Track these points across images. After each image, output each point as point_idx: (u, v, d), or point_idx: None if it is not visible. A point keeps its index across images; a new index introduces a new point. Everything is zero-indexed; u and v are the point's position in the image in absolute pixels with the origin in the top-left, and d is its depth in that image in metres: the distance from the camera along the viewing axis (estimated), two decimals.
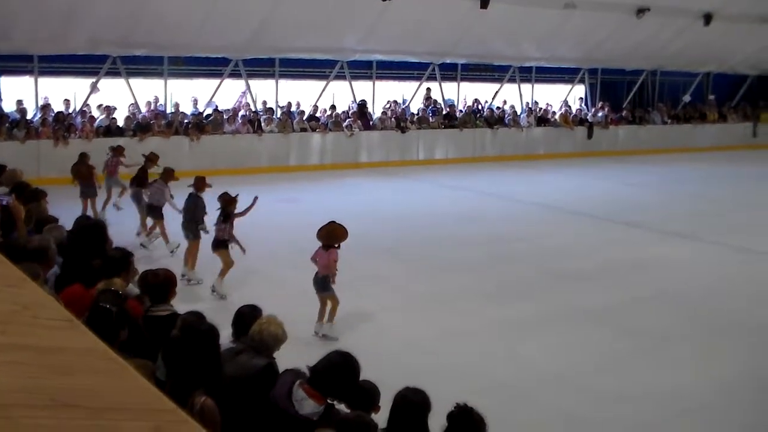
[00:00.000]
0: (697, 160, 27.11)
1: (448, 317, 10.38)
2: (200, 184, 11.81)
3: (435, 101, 26.31)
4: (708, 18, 26.29)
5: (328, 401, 4.64)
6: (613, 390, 8.15)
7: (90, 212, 14.41)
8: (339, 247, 9.26)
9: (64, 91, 21.14)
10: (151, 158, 14.48)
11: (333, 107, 24.08)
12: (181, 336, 4.96)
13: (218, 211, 10.91)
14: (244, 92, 23.22)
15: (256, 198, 11.20)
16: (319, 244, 9.30)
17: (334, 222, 9.39)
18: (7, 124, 19.11)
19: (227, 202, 10.91)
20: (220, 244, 10.84)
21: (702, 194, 20.99)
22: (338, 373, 4.68)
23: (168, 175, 13.07)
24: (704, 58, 29.81)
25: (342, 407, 4.75)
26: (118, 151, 15.58)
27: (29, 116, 19.92)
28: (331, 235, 9.24)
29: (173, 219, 12.47)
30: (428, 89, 26.30)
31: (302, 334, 8.90)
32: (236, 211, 10.97)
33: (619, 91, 31.32)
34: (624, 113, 29.82)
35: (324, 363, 4.74)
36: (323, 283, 9.25)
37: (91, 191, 14.79)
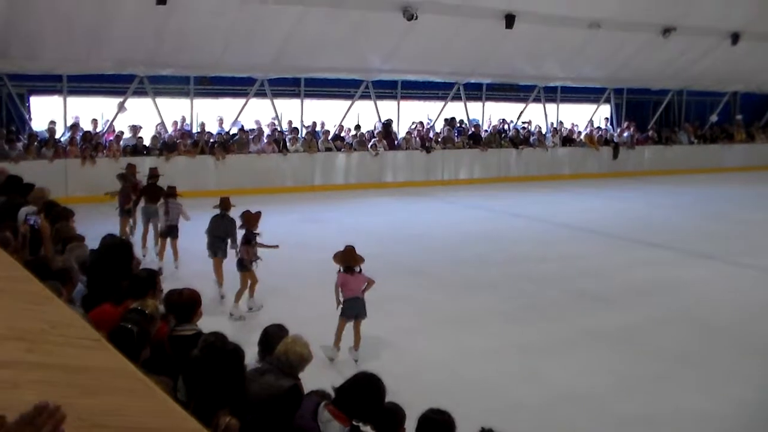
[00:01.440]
0: (724, 180, 26.83)
1: (471, 337, 10.31)
2: (227, 203, 11.91)
3: (461, 121, 26.27)
4: (735, 37, 26.11)
5: (354, 423, 4.61)
6: (633, 412, 8.09)
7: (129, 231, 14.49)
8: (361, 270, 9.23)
9: (92, 111, 21.34)
10: (155, 174, 14.43)
11: (358, 127, 24.13)
12: (201, 356, 4.91)
13: (241, 230, 11.04)
14: (274, 118, 23.34)
15: (276, 246, 11.28)
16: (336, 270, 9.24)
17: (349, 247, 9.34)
18: (36, 143, 19.29)
19: (249, 220, 10.97)
20: (244, 265, 10.94)
21: (728, 215, 20.74)
22: (364, 394, 4.66)
23: (174, 191, 13.24)
24: (731, 78, 29.53)
25: (368, 429, 4.72)
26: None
27: (58, 135, 20.10)
28: (348, 257, 9.16)
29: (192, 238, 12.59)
30: (445, 120, 26.19)
31: (324, 352, 8.92)
32: (257, 233, 11.02)
33: (645, 111, 31.03)
34: (650, 133, 29.61)
35: (350, 384, 4.73)
36: (364, 307, 9.21)
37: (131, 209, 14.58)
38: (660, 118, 30.93)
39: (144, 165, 17.21)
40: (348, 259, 9.14)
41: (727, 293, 12.99)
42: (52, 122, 20.23)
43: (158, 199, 13.69)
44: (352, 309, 9.14)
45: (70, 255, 7.00)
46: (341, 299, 9.16)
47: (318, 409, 4.61)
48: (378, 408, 4.68)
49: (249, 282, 11.06)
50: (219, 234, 11.72)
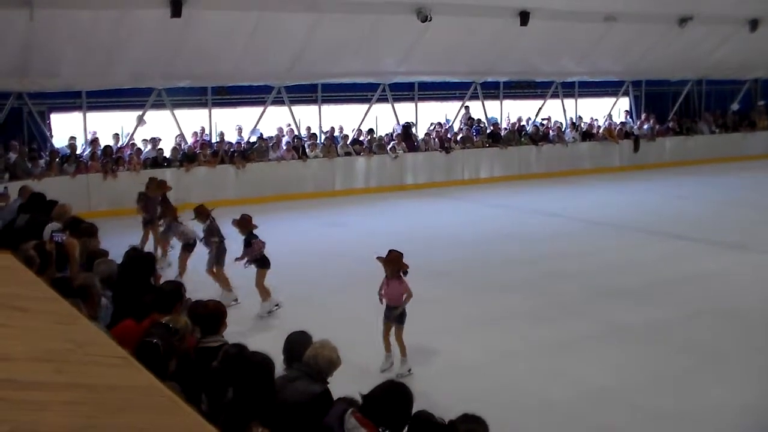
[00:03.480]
0: (747, 168, 26.48)
1: (498, 337, 10.24)
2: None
3: (478, 120, 26.20)
4: (754, 24, 25.84)
5: (381, 430, 4.59)
6: (665, 407, 7.97)
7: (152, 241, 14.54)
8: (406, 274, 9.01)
9: (112, 125, 21.43)
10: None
11: (371, 131, 24.03)
12: (220, 367, 5.01)
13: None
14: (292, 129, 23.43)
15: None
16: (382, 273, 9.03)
17: (395, 251, 9.08)
18: (57, 160, 19.40)
19: (248, 223, 11.16)
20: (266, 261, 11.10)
21: (754, 204, 20.49)
22: (391, 402, 4.62)
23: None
24: (752, 65, 29.16)
25: None
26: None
27: (79, 151, 20.22)
28: (396, 262, 8.93)
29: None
30: (467, 108, 26.15)
31: (353, 359, 8.82)
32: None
33: (664, 102, 30.70)
34: (670, 124, 29.35)
35: (377, 392, 4.68)
36: (401, 316, 8.98)
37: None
38: (680, 109, 30.63)
39: (165, 177, 17.27)
40: (393, 265, 8.93)
41: (757, 283, 12.82)
42: (73, 138, 20.35)
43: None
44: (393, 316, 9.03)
45: (93, 271, 7.02)
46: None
47: (344, 416, 4.58)
48: (405, 416, 4.62)
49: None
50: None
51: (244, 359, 4.92)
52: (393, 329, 9.01)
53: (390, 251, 9.03)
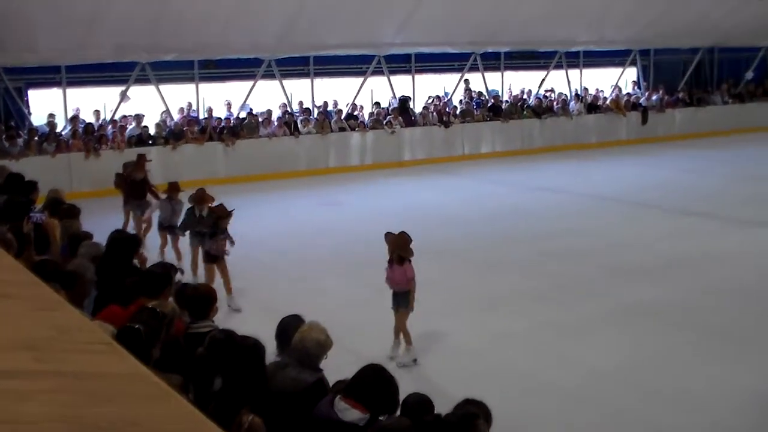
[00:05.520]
0: (762, 140, 25.96)
1: (500, 318, 10.11)
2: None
3: (479, 93, 25.56)
4: None
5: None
6: (672, 389, 7.85)
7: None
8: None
9: (93, 101, 20.84)
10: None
11: (377, 104, 23.56)
12: (206, 354, 4.93)
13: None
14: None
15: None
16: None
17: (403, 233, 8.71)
18: (36, 138, 18.76)
19: (222, 216, 10.62)
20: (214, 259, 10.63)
21: None
22: (372, 386, 4.62)
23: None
24: (766, 31, 28.32)
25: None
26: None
27: (59, 129, 19.57)
28: (404, 245, 8.56)
29: None
30: (467, 81, 25.60)
31: (349, 343, 8.31)
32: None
33: (674, 72, 30.05)
34: (680, 95, 28.78)
35: (357, 377, 4.70)
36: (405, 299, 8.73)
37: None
38: (690, 79, 30.06)
39: (150, 155, 16.52)
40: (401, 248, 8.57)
41: None
42: (51, 115, 19.68)
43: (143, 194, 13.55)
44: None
45: (83, 258, 6.72)
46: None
47: (334, 401, 4.59)
48: (390, 398, 4.64)
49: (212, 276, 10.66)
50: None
51: (233, 344, 4.83)
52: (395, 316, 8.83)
53: (400, 233, 8.70)
